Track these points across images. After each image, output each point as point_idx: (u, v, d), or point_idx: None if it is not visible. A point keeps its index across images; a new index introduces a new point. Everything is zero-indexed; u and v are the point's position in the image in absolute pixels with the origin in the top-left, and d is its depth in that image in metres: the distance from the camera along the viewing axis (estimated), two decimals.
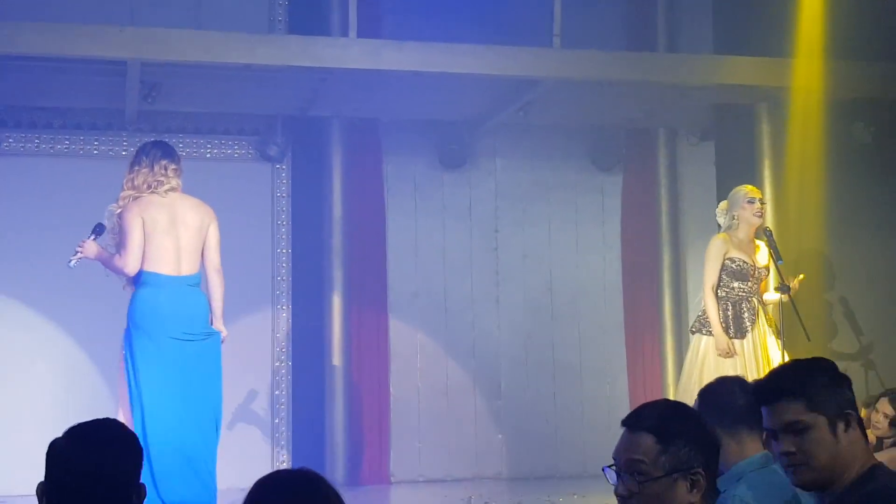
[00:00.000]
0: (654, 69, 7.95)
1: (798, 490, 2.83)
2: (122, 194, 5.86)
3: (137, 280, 5.81)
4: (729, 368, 6.31)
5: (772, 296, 6.74)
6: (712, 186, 8.33)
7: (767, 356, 6.54)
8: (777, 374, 2.52)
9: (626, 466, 2.28)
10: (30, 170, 8.11)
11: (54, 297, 7.90)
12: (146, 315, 5.74)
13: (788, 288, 6.51)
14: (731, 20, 8.53)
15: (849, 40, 7.54)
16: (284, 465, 8.03)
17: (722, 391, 3.14)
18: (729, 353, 6.45)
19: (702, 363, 6.57)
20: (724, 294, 6.63)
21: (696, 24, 8.81)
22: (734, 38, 8.35)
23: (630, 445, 2.29)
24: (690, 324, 7.20)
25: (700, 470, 2.26)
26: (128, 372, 5.72)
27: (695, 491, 2.26)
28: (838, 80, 7.68)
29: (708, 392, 3.19)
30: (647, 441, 2.27)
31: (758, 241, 6.76)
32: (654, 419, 2.30)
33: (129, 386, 5.69)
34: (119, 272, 5.82)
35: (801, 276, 6.70)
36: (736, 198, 6.81)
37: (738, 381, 3.21)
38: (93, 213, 6.19)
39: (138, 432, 5.49)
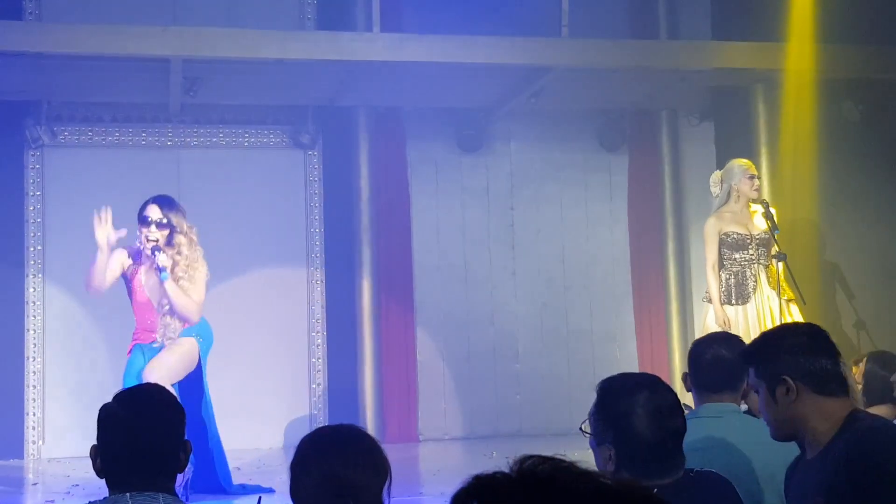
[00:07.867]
0: (656, 55, 7.88)
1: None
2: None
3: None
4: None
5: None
6: (712, 163, 8.13)
7: (772, 319, 6.40)
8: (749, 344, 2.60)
9: None
10: (84, 160, 8.09)
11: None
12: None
13: (785, 256, 6.36)
14: (728, 7, 8.41)
15: (837, 24, 7.44)
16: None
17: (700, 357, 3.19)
18: (726, 325, 6.36)
19: (710, 330, 6.45)
20: (728, 265, 6.51)
21: (695, 11, 8.69)
22: (731, 25, 8.24)
23: None
24: (695, 291, 7.22)
25: (609, 445, 2.26)
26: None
27: (610, 462, 2.26)
28: (828, 61, 7.58)
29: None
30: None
31: (753, 207, 6.58)
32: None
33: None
34: (186, 315, 5.62)
35: None
36: (733, 171, 6.60)
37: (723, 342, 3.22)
38: (142, 198, 6.13)
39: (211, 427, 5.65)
